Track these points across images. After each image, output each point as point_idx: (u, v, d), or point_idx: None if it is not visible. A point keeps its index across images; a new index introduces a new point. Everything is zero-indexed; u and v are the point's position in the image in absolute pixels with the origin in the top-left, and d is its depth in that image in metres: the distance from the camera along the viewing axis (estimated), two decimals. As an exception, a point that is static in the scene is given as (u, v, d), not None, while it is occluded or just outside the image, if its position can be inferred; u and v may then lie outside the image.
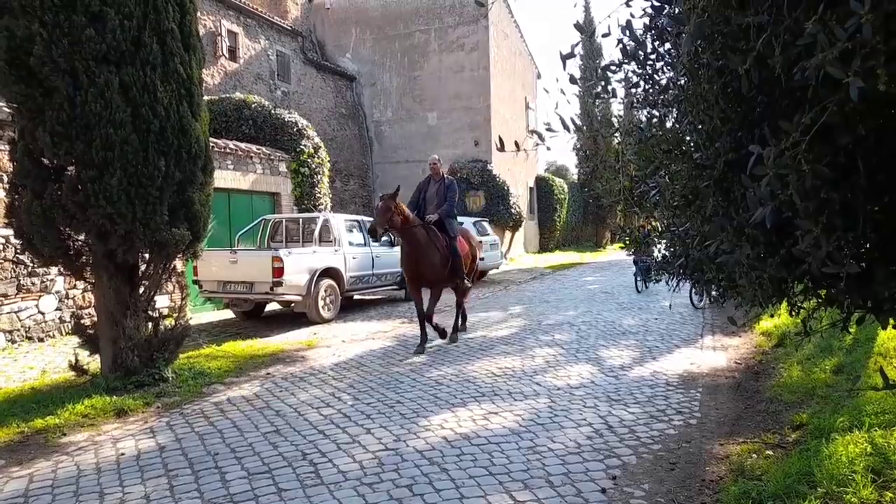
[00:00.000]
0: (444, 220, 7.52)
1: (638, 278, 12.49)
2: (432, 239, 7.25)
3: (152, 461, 4.05)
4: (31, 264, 8.15)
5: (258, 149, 12.60)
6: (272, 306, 10.70)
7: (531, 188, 26.29)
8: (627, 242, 3.20)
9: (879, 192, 1.82)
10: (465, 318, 8.67)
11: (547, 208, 27.32)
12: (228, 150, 11.81)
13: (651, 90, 2.56)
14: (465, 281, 7.72)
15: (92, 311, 7.68)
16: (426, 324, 7.35)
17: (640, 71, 2.50)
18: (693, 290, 9.75)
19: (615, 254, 24.56)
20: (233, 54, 16.74)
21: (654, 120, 2.68)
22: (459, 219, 16.88)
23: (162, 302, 9.10)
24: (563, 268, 19.40)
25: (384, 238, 12.17)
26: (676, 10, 2.17)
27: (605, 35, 2.47)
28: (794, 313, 2.51)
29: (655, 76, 2.52)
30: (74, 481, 3.77)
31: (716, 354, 6.92)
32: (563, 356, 6.90)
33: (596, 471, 3.72)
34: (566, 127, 2.45)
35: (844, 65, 1.44)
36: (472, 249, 8.31)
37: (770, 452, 3.94)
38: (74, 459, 4.14)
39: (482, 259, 15.31)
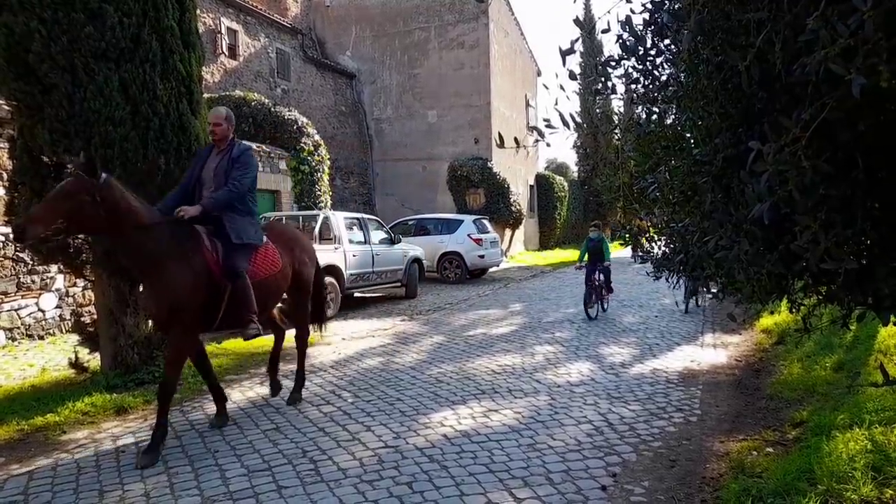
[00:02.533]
0: (220, 215, 4.38)
1: (591, 298, 9.22)
2: (182, 247, 4.13)
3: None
4: (31, 262, 8.15)
5: (258, 146, 12.58)
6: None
7: (531, 186, 26.27)
8: (627, 239, 3.20)
9: (879, 188, 1.81)
10: (299, 384, 5.39)
11: (547, 206, 27.31)
12: (228, 148, 11.78)
13: (651, 86, 2.55)
14: (254, 324, 4.39)
15: (92, 308, 7.69)
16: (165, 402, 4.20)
17: (639, 67, 2.50)
18: (685, 294, 9.13)
19: (615, 252, 24.53)
20: (232, 52, 16.71)
21: (654, 116, 2.68)
22: (457, 216, 17.08)
23: (162, 300, 9.09)
24: (563, 265, 19.39)
25: (386, 235, 12.25)
26: (676, 6, 2.16)
27: (604, 31, 2.47)
28: (794, 310, 2.51)
29: (655, 72, 2.52)
30: (74, 479, 3.77)
31: (716, 352, 6.92)
32: (564, 353, 6.90)
33: (596, 468, 3.72)
34: (566, 123, 2.45)
35: (846, 62, 1.43)
36: (300, 266, 5.14)
37: (770, 450, 3.94)
38: (74, 457, 4.14)
39: (482, 257, 15.51)
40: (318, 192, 13.76)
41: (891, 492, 3.02)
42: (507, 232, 21.71)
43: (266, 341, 7.92)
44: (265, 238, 4.74)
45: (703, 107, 2.16)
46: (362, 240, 11.13)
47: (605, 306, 9.71)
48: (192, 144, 5.77)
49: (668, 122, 2.65)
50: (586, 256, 9.47)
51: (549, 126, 2.49)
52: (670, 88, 2.49)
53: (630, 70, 2.53)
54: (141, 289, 4.36)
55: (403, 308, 11.04)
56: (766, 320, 7.80)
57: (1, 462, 4.11)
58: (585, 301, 9.19)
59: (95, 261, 5.77)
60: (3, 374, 6.45)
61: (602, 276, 9.35)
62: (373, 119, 22.30)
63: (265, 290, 4.60)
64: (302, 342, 5.53)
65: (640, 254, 3.23)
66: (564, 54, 2.28)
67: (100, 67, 5.15)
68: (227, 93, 14.44)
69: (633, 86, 2.60)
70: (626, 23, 2.35)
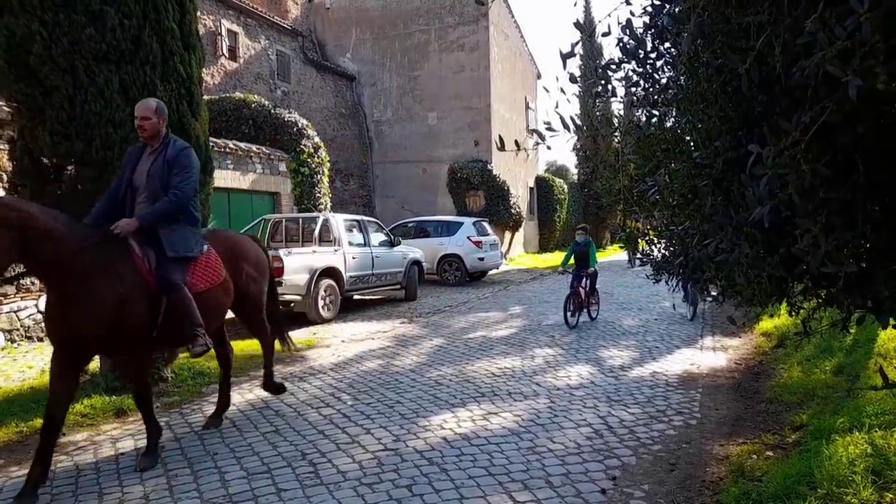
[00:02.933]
0: (157, 227, 3.94)
1: (573, 305, 8.65)
2: (112, 261, 3.67)
3: (151, 461, 4.04)
4: (31, 264, 8.14)
5: (258, 148, 12.60)
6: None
7: (531, 188, 26.28)
8: (626, 241, 3.19)
9: (879, 191, 1.81)
10: (271, 382, 5.22)
11: (547, 208, 27.30)
12: (228, 150, 11.80)
13: (651, 89, 2.55)
14: (202, 338, 3.94)
15: (91, 310, 7.64)
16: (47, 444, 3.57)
17: (639, 70, 2.50)
18: (687, 299, 9.07)
19: (616, 254, 24.56)
20: (233, 54, 16.73)
21: (654, 119, 2.68)
22: (457, 218, 17.09)
23: (162, 302, 9.08)
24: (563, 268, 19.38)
25: (386, 237, 12.27)
26: (677, 9, 2.16)
27: (605, 34, 2.46)
28: (794, 313, 2.51)
29: (655, 75, 2.52)
30: (73, 481, 3.76)
31: (716, 355, 6.91)
32: (563, 356, 6.89)
33: (596, 471, 3.71)
34: (566, 126, 2.45)
35: (844, 64, 1.43)
36: (246, 281, 4.65)
37: (770, 453, 3.94)
38: (73, 459, 4.13)
39: (481, 259, 15.50)
40: (318, 195, 13.77)
41: (891, 496, 3.01)
42: (507, 234, 21.71)
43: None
44: (207, 247, 4.27)
45: (703, 110, 2.16)
46: (362, 242, 11.12)
47: (594, 314, 9.32)
48: (191, 146, 5.77)
49: (668, 125, 2.65)
50: (571, 260, 9.12)
51: (549, 129, 2.49)
52: (670, 91, 2.49)
53: (630, 73, 2.53)
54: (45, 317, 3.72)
55: (403, 310, 11.04)
56: (766, 323, 7.80)
57: (0, 464, 4.11)
58: (566, 308, 8.60)
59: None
60: (3, 376, 6.44)
61: (588, 282, 8.95)
62: (373, 121, 22.31)
63: (206, 304, 4.10)
64: (265, 345, 5.16)
65: (640, 257, 3.23)
66: (565, 58, 2.28)
67: (100, 69, 5.16)
68: (228, 94, 14.46)
69: (633, 89, 2.60)
70: (627, 26, 2.35)
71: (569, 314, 8.57)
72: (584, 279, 8.89)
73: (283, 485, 3.59)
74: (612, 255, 25.61)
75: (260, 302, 4.92)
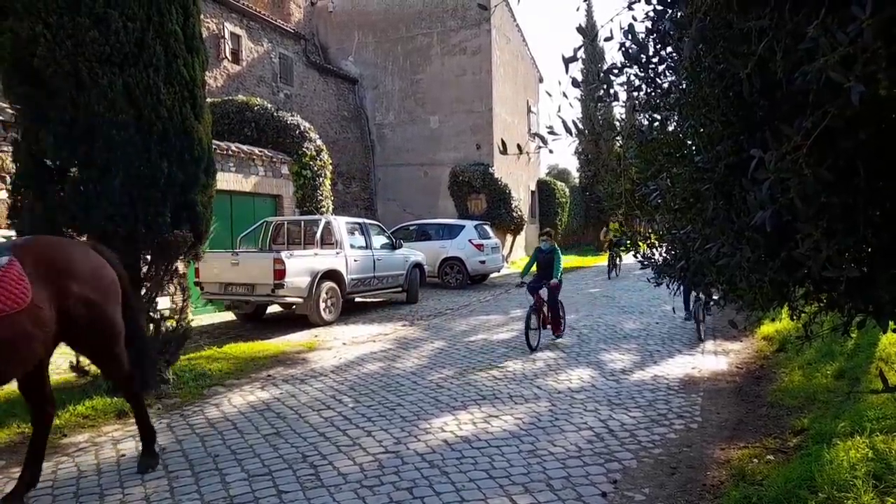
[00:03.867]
0: None
1: (532, 321, 7.34)
2: None
3: (153, 462, 4.04)
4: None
5: (260, 151, 12.61)
6: (273, 308, 10.70)
7: (533, 191, 26.29)
8: (629, 245, 3.19)
9: (880, 196, 1.82)
10: (148, 448, 3.95)
11: (548, 212, 27.31)
12: (231, 153, 11.81)
13: (653, 94, 2.56)
14: None
15: (93, 312, 7.64)
16: None
17: (641, 74, 2.50)
18: (687, 307, 8.54)
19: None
20: (235, 57, 16.77)
21: (656, 123, 2.69)
22: (458, 222, 17.17)
23: (163, 303, 9.07)
24: (564, 271, 19.37)
25: (388, 240, 12.28)
26: (679, 14, 2.17)
27: (607, 39, 2.47)
28: (795, 317, 2.51)
29: (657, 80, 2.52)
30: (75, 482, 3.77)
31: (717, 359, 6.91)
32: (564, 360, 6.89)
33: (597, 475, 3.72)
34: (568, 130, 2.45)
35: (846, 69, 1.44)
36: (74, 304, 3.37)
37: (771, 457, 3.94)
38: (75, 460, 4.14)
39: (483, 262, 15.51)
40: (320, 197, 13.77)
41: (892, 500, 3.01)
42: (509, 237, 21.71)
43: (268, 345, 7.94)
44: (8, 260, 3.06)
45: (705, 114, 2.17)
46: (364, 245, 11.14)
47: (560, 331, 7.98)
48: (194, 148, 5.79)
49: (670, 129, 2.65)
50: (533, 268, 8.03)
51: (551, 132, 2.50)
52: (672, 96, 2.50)
53: (632, 78, 2.54)
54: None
55: (404, 313, 11.05)
56: (767, 327, 7.79)
57: (2, 465, 4.12)
58: (527, 325, 7.29)
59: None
60: (4, 377, 6.45)
61: (549, 295, 7.68)
62: (375, 124, 22.33)
63: None
64: (135, 401, 3.94)
65: (641, 261, 3.22)
66: (567, 62, 2.29)
67: (104, 72, 5.17)
68: (230, 97, 14.48)
69: (635, 93, 2.60)
70: (629, 31, 2.36)
71: (530, 332, 7.25)
72: (545, 290, 7.68)
73: (284, 487, 3.60)
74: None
75: (101, 334, 3.62)
